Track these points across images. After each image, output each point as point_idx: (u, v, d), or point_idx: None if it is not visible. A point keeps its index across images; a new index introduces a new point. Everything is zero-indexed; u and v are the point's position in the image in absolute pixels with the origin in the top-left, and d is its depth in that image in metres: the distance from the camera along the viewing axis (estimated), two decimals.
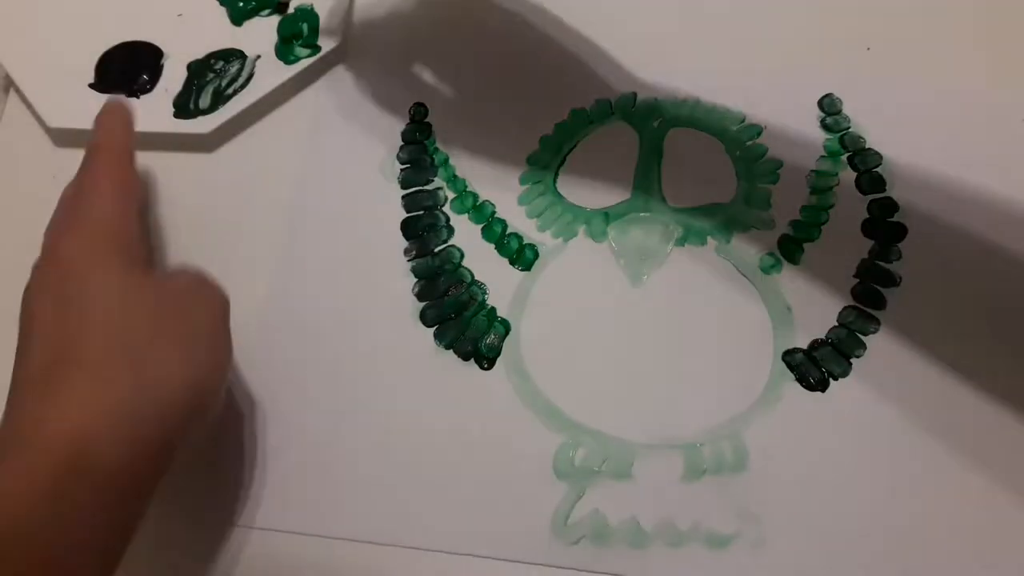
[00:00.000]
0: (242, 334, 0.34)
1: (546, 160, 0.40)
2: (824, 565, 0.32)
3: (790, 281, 0.37)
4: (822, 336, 0.36)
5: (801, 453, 0.34)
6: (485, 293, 0.38)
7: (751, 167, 0.39)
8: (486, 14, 0.44)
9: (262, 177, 0.41)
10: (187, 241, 0.40)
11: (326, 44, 0.43)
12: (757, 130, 0.40)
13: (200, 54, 0.44)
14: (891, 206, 0.38)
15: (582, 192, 0.39)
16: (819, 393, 0.35)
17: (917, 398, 0.34)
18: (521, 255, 0.38)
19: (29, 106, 0.44)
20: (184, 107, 0.43)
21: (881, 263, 0.37)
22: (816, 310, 0.36)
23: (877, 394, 0.35)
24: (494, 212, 0.40)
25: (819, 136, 0.40)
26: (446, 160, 0.41)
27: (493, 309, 0.38)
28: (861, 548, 0.33)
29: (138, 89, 0.44)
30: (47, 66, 0.44)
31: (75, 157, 0.42)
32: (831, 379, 0.35)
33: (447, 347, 0.37)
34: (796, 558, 0.33)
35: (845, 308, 0.36)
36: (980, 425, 0.34)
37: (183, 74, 0.44)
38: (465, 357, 0.37)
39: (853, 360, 0.35)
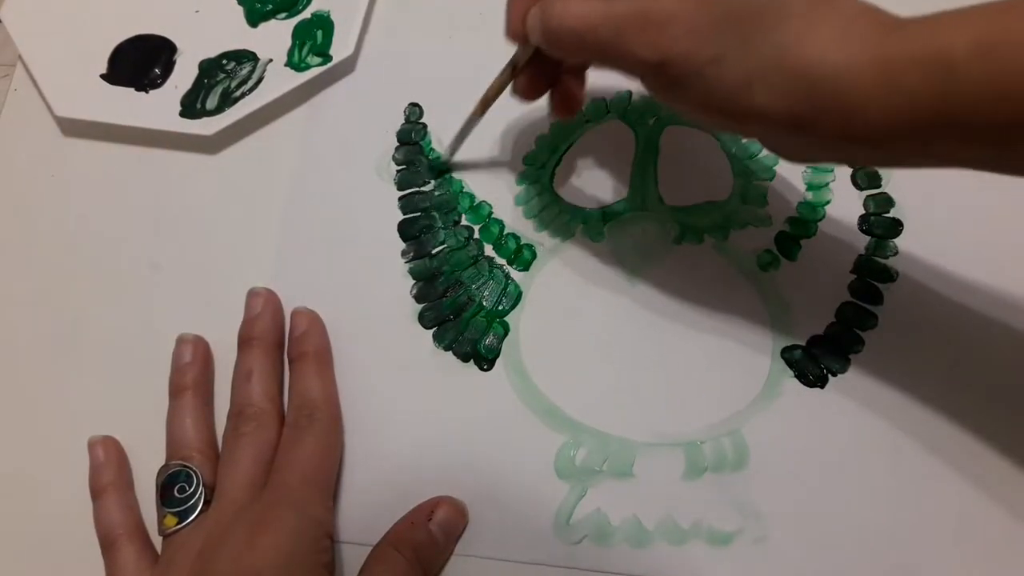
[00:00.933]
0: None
1: (543, 159, 0.40)
2: (825, 561, 0.33)
3: (788, 278, 0.37)
4: (820, 332, 0.36)
5: (801, 449, 0.34)
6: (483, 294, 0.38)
7: (747, 164, 0.39)
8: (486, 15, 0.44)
9: (263, 183, 0.41)
10: (185, 242, 0.40)
11: (338, 54, 0.43)
12: None
13: (213, 53, 0.44)
14: (887, 201, 0.38)
15: (579, 192, 0.39)
16: (818, 389, 0.35)
17: (916, 393, 0.35)
18: (519, 255, 0.38)
19: (39, 92, 0.43)
20: (191, 106, 0.42)
21: (878, 259, 0.37)
22: (814, 306, 0.36)
23: (876, 389, 0.35)
24: (491, 212, 0.40)
25: None
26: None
27: (492, 310, 0.38)
28: (862, 544, 0.33)
29: (148, 84, 0.43)
30: (60, 53, 0.44)
31: (79, 150, 0.43)
32: (830, 375, 0.35)
33: (446, 348, 0.37)
34: (798, 554, 0.33)
35: (843, 304, 0.36)
36: (978, 419, 0.34)
37: (194, 72, 0.43)
38: (464, 358, 0.37)
39: (851, 356, 0.35)
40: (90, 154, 0.43)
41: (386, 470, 0.35)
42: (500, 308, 0.38)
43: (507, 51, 0.34)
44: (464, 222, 0.39)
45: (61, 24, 0.45)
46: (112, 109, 0.42)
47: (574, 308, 0.37)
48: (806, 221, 0.38)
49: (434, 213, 0.40)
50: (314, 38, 0.43)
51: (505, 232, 0.39)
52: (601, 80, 0.41)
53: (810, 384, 0.35)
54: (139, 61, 0.44)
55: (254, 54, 0.43)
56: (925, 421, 0.34)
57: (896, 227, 0.37)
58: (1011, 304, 0.36)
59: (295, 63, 0.43)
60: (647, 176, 0.39)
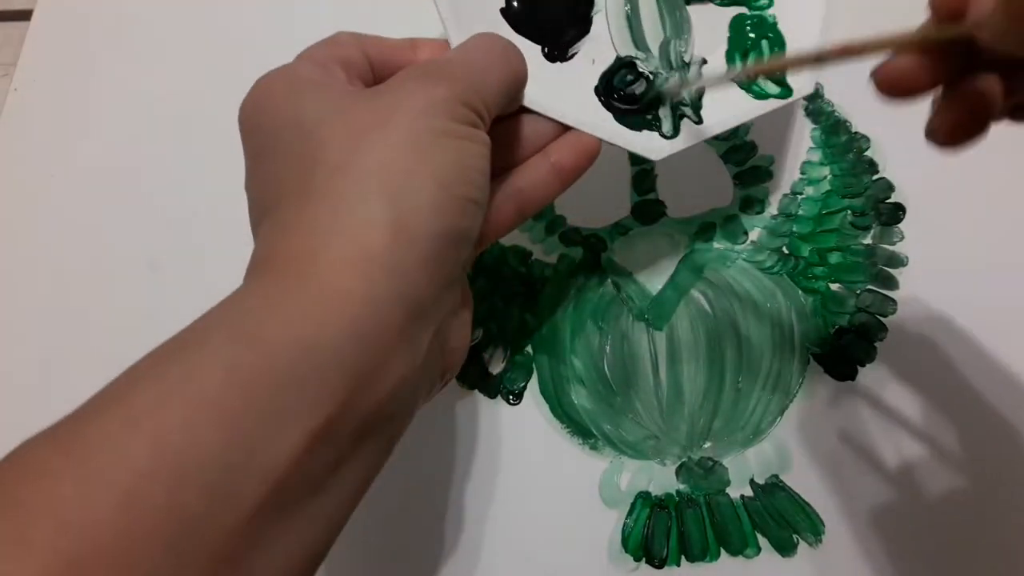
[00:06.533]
0: None
1: None
2: (882, 554, 0.33)
3: (803, 275, 0.37)
4: (844, 324, 0.36)
5: (841, 443, 0.34)
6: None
7: (744, 166, 0.39)
8: None
9: None
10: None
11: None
12: (745, 127, 0.40)
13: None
14: (888, 187, 0.38)
15: (582, 212, 0.39)
16: (849, 382, 0.35)
17: (944, 369, 0.35)
18: (531, 283, 0.38)
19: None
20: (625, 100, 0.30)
21: (885, 246, 0.37)
22: (833, 301, 0.36)
23: (905, 374, 0.35)
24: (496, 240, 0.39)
25: (806, 126, 0.40)
26: None
27: (510, 343, 0.37)
28: (916, 533, 0.33)
29: (558, 51, 0.30)
30: None
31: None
32: (859, 366, 0.35)
33: (471, 387, 0.36)
34: (856, 551, 0.32)
35: (862, 293, 0.36)
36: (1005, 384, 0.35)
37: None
38: (491, 395, 0.36)
39: (877, 344, 0.36)
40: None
41: (430, 520, 0.34)
42: (519, 340, 0.37)
43: None
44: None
45: None
46: None
47: (594, 330, 0.37)
48: (810, 217, 0.38)
49: None
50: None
51: (514, 261, 0.38)
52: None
53: (840, 378, 0.35)
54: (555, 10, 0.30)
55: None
56: (958, 397, 0.34)
57: (899, 212, 0.38)
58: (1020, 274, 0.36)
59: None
60: (647, 190, 0.39)
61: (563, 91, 0.29)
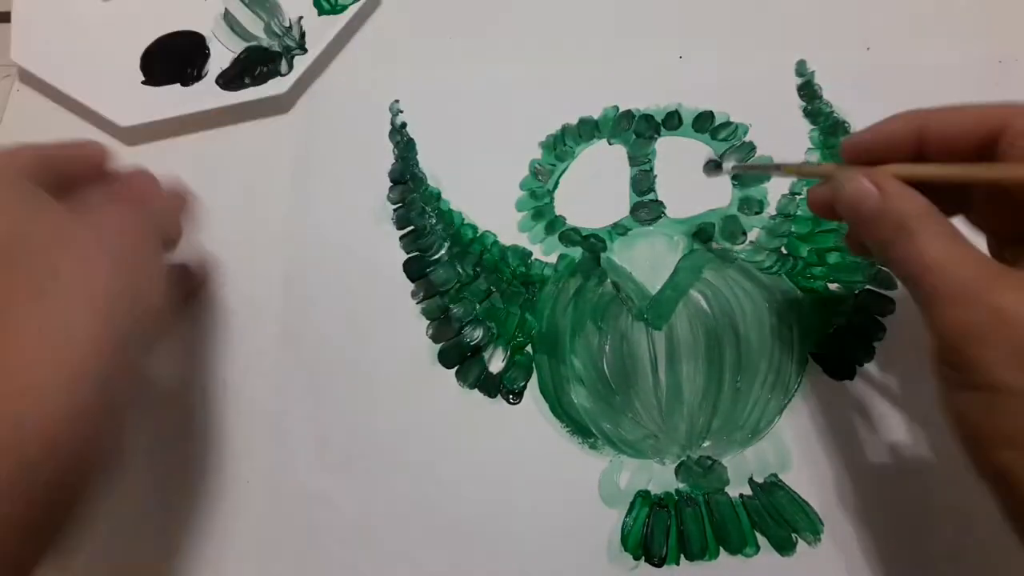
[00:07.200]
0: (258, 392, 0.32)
1: (539, 184, 0.40)
2: (881, 553, 0.33)
3: (802, 275, 0.37)
4: (843, 324, 0.36)
5: (840, 443, 0.34)
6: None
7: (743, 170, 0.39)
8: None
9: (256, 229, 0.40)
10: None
11: None
12: (744, 129, 0.40)
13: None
14: None
15: (581, 212, 0.39)
16: (847, 381, 0.35)
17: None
18: (531, 282, 0.38)
19: (93, 114, 0.42)
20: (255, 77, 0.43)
21: None
22: (832, 300, 0.37)
23: (903, 374, 0.35)
24: (495, 240, 0.39)
25: (804, 127, 0.40)
26: (439, 195, 0.40)
27: (511, 341, 0.37)
28: (914, 532, 0.33)
29: (189, 79, 0.44)
30: (92, 73, 0.43)
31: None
32: (858, 366, 0.35)
33: (471, 387, 0.36)
34: (855, 550, 0.33)
35: (861, 293, 0.36)
36: None
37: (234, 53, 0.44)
38: (491, 394, 0.36)
39: (876, 344, 0.36)
40: None
41: (429, 516, 0.34)
42: (519, 339, 0.37)
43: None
44: (470, 254, 0.39)
45: (77, 49, 0.44)
46: (172, 105, 0.42)
47: (594, 330, 0.37)
48: (809, 218, 0.38)
49: (438, 249, 0.39)
50: None
51: (514, 261, 0.38)
52: (590, 97, 0.41)
53: (839, 378, 0.35)
54: (172, 60, 0.44)
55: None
56: None
57: None
58: None
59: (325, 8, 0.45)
60: (646, 190, 0.39)
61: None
